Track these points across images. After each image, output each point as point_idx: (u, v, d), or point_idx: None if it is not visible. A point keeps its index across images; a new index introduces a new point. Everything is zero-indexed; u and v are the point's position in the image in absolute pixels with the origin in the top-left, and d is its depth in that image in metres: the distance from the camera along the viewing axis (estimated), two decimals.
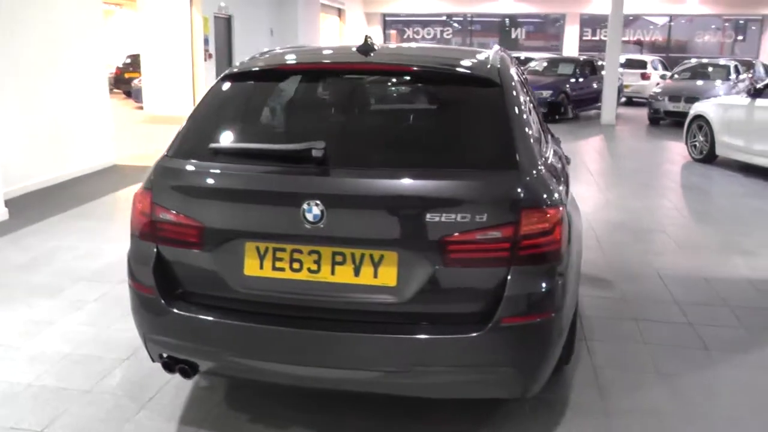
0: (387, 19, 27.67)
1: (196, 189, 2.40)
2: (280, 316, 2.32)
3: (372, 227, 2.23)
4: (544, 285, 2.25)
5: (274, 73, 2.70)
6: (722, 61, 15.42)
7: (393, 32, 28.66)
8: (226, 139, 2.51)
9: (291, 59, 2.82)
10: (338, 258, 2.25)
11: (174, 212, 2.38)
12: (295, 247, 2.28)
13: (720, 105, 8.79)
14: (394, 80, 2.65)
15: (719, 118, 8.58)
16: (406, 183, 2.24)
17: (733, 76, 13.87)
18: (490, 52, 2.85)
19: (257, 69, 2.72)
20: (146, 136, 11.13)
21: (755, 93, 8.01)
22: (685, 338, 3.57)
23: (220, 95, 2.67)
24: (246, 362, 2.39)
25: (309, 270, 2.27)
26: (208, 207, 2.36)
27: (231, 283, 2.33)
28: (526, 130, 2.43)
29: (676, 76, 14.92)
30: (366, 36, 2.73)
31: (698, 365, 3.27)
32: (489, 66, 2.63)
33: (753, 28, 25.95)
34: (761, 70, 15.88)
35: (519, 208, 2.19)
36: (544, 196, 2.26)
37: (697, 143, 9.15)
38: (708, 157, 8.92)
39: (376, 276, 2.24)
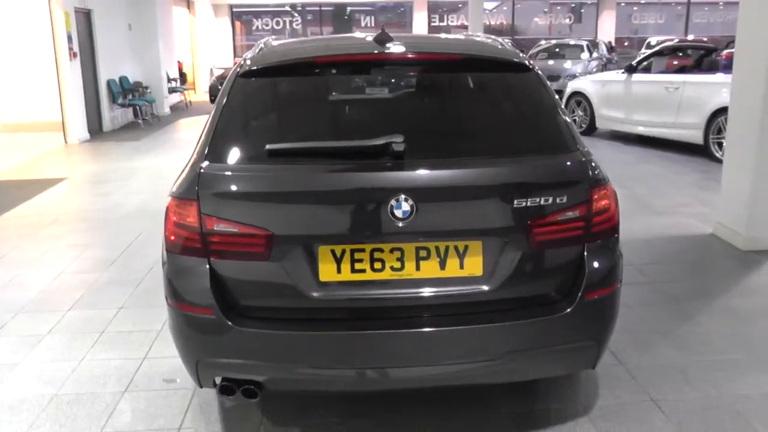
0: (235, 10, 26.73)
1: (260, 195, 2.20)
2: (365, 319, 2.21)
3: (458, 218, 2.19)
4: (610, 258, 2.37)
5: (303, 67, 2.52)
6: (575, 42, 16.76)
7: (239, 24, 27.80)
8: (283, 138, 2.31)
9: (322, 51, 2.65)
10: (422, 253, 2.20)
11: (234, 222, 2.16)
12: (376, 246, 2.18)
13: (598, 81, 9.62)
14: (437, 69, 2.59)
15: (598, 94, 9.41)
16: (490, 171, 2.23)
17: (586, 54, 15.18)
18: (500, 39, 2.90)
19: (283, 63, 2.53)
20: (5, 147, 9.97)
21: (631, 69, 8.87)
22: (653, 297, 3.90)
23: (247, 93, 2.46)
24: (328, 372, 2.24)
25: (392, 268, 2.19)
26: (276, 213, 2.17)
27: (305, 291, 2.18)
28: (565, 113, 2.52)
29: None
30: (382, 26, 2.66)
31: (679, 318, 3.59)
32: (516, 52, 2.68)
33: (582, 11, 28.47)
34: (604, 49, 17.50)
35: (589, 187, 2.28)
36: (602, 174, 2.36)
37: (577, 118, 9.93)
38: (588, 129, 9.73)
39: (462, 267, 2.21)
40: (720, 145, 7.62)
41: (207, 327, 2.21)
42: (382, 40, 2.58)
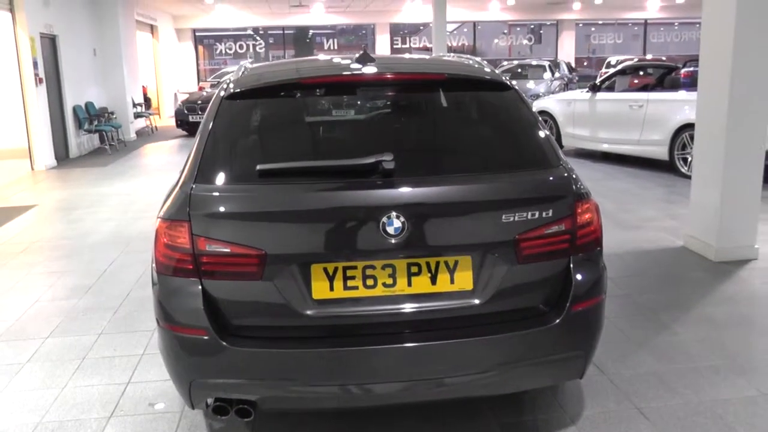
0: (198, 34, 26.68)
1: (252, 214, 2.21)
2: (358, 335, 2.23)
3: (448, 234, 2.24)
4: (595, 270, 2.44)
5: (289, 88, 2.56)
6: (537, 62, 17.19)
7: (201, 48, 27.75)
8: (272, 158, 2.33)
9: (308, 73, 2.70)
10: (414, 269, 2.23)
11: (226, 242, 2.17)
12: (368, 263, 2.21)
13: (562, 100, 9.86)
14: (421, 89, 2.66)
15: (563, 112, 9.64)
16: (478, 187, 2.29)
17: (548, 74, 15.56)
18: (475, 59, 2.99)
19: (268, 84, 2.57)
20: None
21: (595, 88, 9.12)
22: (629, 308, 4.00)
23: (233, 115, 2.49)
24: (322, 389, 2.25)
25: (384, 285, 2.22)
26: (268, 232, 2.19)
27: (298, 309, 2.19)
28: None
29: None
30: (364, 46, 2.72)
31: (656, 328, 3.69)
32: (495, 71, 2.77)
33: (541, 32, 29.22)
34: (565, 69, 17.97)
35: (573, 201, 2.35)
36: (585, 188, 2.44)
37: None
38: None
39: (452, 282, 2.25)
40: (685, 160, 7.89)
41: (200, 348, 2.20)
42: (364, 60, 2.64)
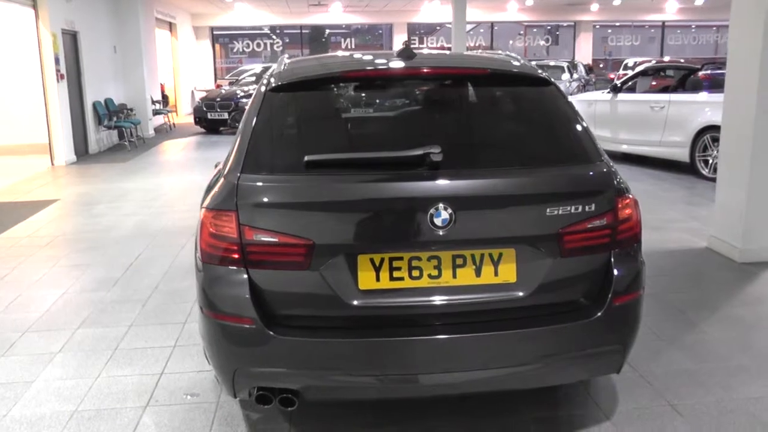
0: (215, 33, 26.84)
1: (301, 204, 2.23)
2: (403, 326, 2.25)
3: (493, 226, 2.26)
4: (635, 265, 2.45)
5: (333, 81, 2.58)
6: (555, 63, 17.12)
7: (218, 47, 27.90)
8: (318, 150, 2.35)
9: (351, 66, 2.72)
10: (459, 261, 2.25)
11: (273, 232, 2.20)
12: (414, 254, 2.23)
13: (584, 101, 9.82)
14: (464, 83, 2.68)
15: (584, 113, 9.58)
16: (524, 180, 2.31)
17: (566, 75, 15.51)
18: (514, 56, 3.00)
19: (314, 77, 2.59)
20: None
21: (616, 89, 9.09)
22: (657, 307, 3.99)
23: (278, 107, 2.51)
24: (367, 379, 2.27)
25: (429, 276, 2.24)
26: (316, 222, 2.21)
27: (344, 299, 2.22)
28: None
29: None
30: (405, 42, 2.74)
31: (685, 327, 3.68)
32: (535, 66, 2.79)
33: (557, 33, 29.12)
34: (582, 70, 17.91)
35: (614, 196, 2.36)
36: (625, 184, 2.45)
37: None
38: None
39: (496, 274, 2.27)
40: (706, 162, 7.84)
41: (246, 337, 2.23)
42: (406, 55, 2.66)
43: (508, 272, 2.27)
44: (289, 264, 2.20)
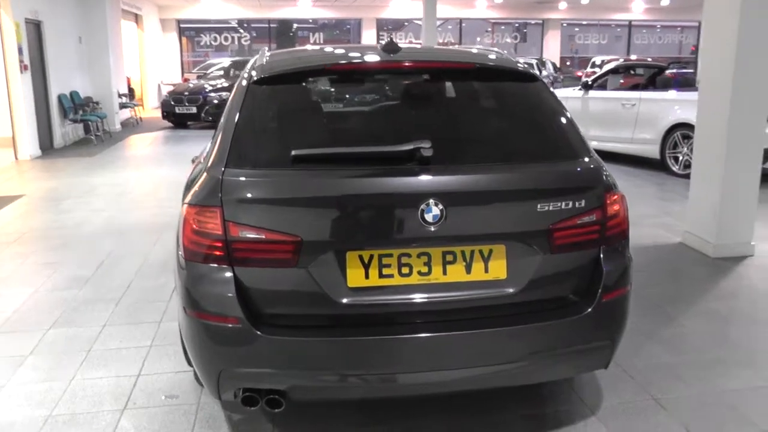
0: (182, 26, 26.37)
1: (288, 200, 2.17)
2: (392, 324, 2.21)
3: (484, 222, 2.23)
4: (623, 261, 2.45)
5: (318, 74, 2.53)
6: (523, 60, 17.14)
7: (185, 40, 27.41)
8: (304, 144, 2.30)
9: (337, 59, 2.66)
10: (449, 257, 2.22)
11: (260, 228, 2.14)
12: (404, 251, 2.19)
13: None
14: (451, 77, 2.65)
15: None
16: (515, 176, 2.29)
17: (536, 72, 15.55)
18: (500, 51, 2.99)
19: (299, 70, 2.53)
20: None
21: (588, 87, 9.18)
22: (635, 302, 4.01)
23: (262, 100, 2.44)
24: (355, 378, 2.23)
25: (419, 273, 2.21)
26: (304, 218, 2.16)
27: (333, 297, 2.17)
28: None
29: None
30: (390, 36, 2.69)
31: (663, 321, 3.73)
32: (522, 62, 2.77)
33: (525, 31, 29.36)
34: (551, 68, 18.06)
35: (603, 192, 2.36)
36: (613, 180, 2.45)
37: None
38: None
39: (487, 271, 2.25)
40: (676, 159, 7.97)
41: (232, 336, 2.17)
42: (391, 49, 2.62)
43: (498, 269, 2.25)
44: (275, 261, 2.15)
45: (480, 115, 2.67)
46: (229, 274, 2.15)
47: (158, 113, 15.46)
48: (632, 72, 10.95)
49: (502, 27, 30.60)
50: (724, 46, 4.65)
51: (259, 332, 2.13)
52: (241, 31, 29.00)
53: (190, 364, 3.09)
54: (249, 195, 2.17)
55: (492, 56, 2.80)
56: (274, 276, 2.17)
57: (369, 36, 29.28)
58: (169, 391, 2.98)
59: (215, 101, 13.41)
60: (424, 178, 2.18)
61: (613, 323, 2.42)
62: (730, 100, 4.61)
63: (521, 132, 2.56)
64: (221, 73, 15.34)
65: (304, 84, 2.48)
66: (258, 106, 2.42)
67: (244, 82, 2.51)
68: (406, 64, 2.53)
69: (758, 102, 4.67)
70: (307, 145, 2.28)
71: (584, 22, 29.01)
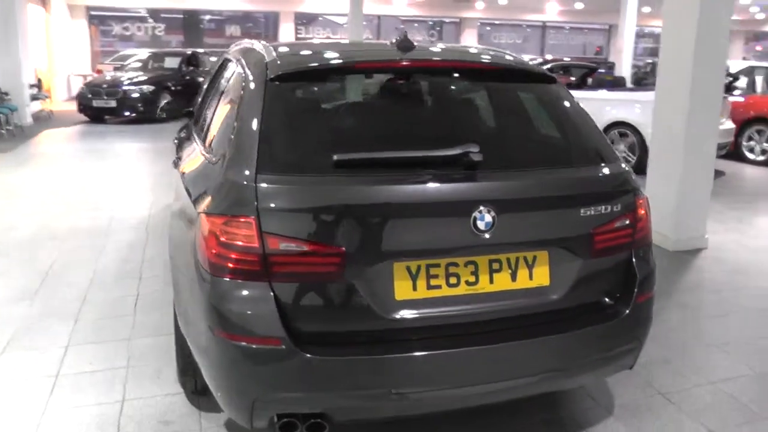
0: (92, 13, 24.83)
1: (333, 209, 1.99)
2: (443, 337, 2.09)
3: (531, 229, 2.17)
4: (651, 262, 2.47)
5: (342, 72, 2.35)
6: None
7: (93, 28, 25.87)
8: (345, 147, 2.12)
9: (359, 57, 2.48)
10: (495, 266, 2.14)
11: (304, 240, 1.96)
12: (451, 260, 2.08)
13: None
14: (476, 79, 2.57)
15: None
16: (563, 181, 2.25)
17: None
18: (506, 52, 2.93)
19: (323, 67, 2.34)
20: None
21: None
22: None
23: (287, 98, 2.27)
24: (405, 396, 2.08)
25: (467, 283, 2.11)
26: (350, 228, 1.99)
27: (380, 311, 2.03)
28: None
29: None
30: (404, 32, 2.56)
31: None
32: (535, 63, 2.72)
33: (438, 29, 29.77)
34: None
35: (634, 196, 2.36)
36: (638, 183, 2.45)
37: None
38: None
39: (531, 278, 2.18)
40: None
41: (272, 359, 1.97)
42: (405, 46, 2.49)
43: (541, 275, 2.19)
44: (318, 275, 1.98)
45: (516, 118, 2.60)
46: (268, 291, 1.96)
47: (70, 106, 14.45)
48: (562, 72, 11.29)
49: (416, 25, 30.85)
50: (682, 41, 4.80)
51: (302, 352, 1.95)
52: (152, 20, 27.79)
53: (183, 386, 2.85)
54: (290, 203, 1.98)
55: (508, 57, 2.73)
56: (316, 291, 2.00)
57: (287, 30, 28.76)
58: (161, 417, 2.72)
59: (134, 95, 12.69)
60: (476, 183, 2.09)
61: (644, 325, 2.43)
62: (689, 96, 4.78)
63: (556, 135, 2.52)
64: (140, 65, 14.53)
65: (326, 83, 2.30)
66: (283, 105, 2.23)
67: (256, 79, 2.31)
68: (439, 63, 2.44)
69: (714, 103, 4.88)
70: (346, 148, 2.11)
71: (497, 22, 29.75)
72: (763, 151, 9.25)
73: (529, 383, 2.24)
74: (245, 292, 1.97)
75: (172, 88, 13.25)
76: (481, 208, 2.03)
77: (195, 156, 2.74)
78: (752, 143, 9.39)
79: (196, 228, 2.14)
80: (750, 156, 9.35)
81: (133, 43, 26.00)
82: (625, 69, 18.83)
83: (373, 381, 2.03)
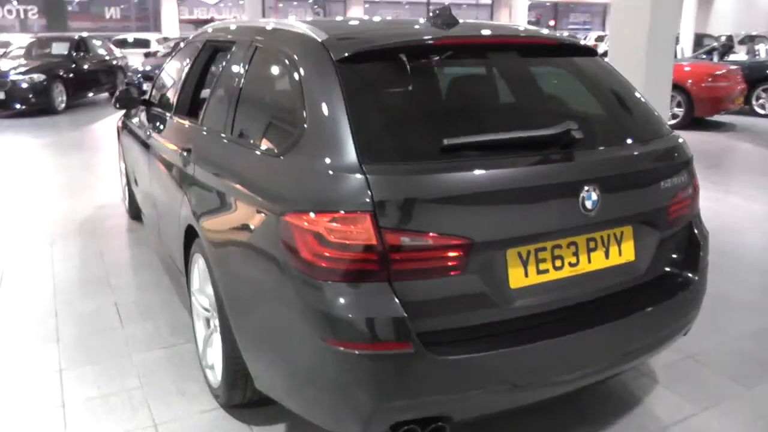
0: None
1: (455, 198, 1.86)
2: (557, 322, 2.05)
3: (623, 205, 2.16)
4: (705, 230, 2.55)
5: (415, 51, 2.17)
6: None
7: None
8: (448, 131, 1.98)
9: (427, 35, 2.29)
10: (591, 244, 2.12)
11: (427, 233, 1.81)
12: (556, 242, 2.03)
13: None
14: (537, 54, 2.52)
15: None
16: (649, 155, 2.27)
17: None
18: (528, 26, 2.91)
19: (396, 45, 2.17)
20: None
21: None
22: None
23: (366, 80, 2.12)
24: (526, 386, 2.02)
25: (570, 264, 2.07)
26: (472, 217, 1.87)
27: (497, 302, 1.94)
28: None
29: None
30: (448, 7, 2.44)
31: None
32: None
33: (324, 4, 29.46)
34: None
35: (691, 165, 2.43)
36: None
37: None
38: None
39: (620, 254, 2.19)
40: None
41: (399, 364, 1.82)
42: (448, 23, 2.37)
43: (628, 251, 2.20)
44: (440, 270, 1.85)
45: (586, 93, 2.56)
46: (389, 291, 1.81)
47: None
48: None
49: (295, 3, 30.37)
50: (635, 23, 5.00)
51: (432, 354, 1.82)
52: (15, 2, 25.59)
53: (217, 397, 2.62)
54: (408, 194, 1.82)
55: (545, 31, 2.71)
56: (437, 287, 1.87)
57: (169, 9, 27.30)
58: None
59: (24, 84, 11.49)
60: (580, 162, 2.05)
61: (704, 291, 2.49)
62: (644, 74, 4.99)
63: (624, 110, 2.53)
64: (22, 52, 13.19)
65: (397, 63, 2.09)
66: (363, 88, 2.08)
67: (316, 61, 2.12)
68: (505, 40, 2.39)
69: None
70: (449, 132, 1.97)
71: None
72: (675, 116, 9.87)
73: (627, 359, 2.25)
74: (365, 295, 1.81)
75: (65, 76, 12.15)
76: (587, 187, 2.00)
77: (219, 149, 2.52)
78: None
79: (275, 231, 1.94)
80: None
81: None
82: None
83: (497, 376, 1.94)
